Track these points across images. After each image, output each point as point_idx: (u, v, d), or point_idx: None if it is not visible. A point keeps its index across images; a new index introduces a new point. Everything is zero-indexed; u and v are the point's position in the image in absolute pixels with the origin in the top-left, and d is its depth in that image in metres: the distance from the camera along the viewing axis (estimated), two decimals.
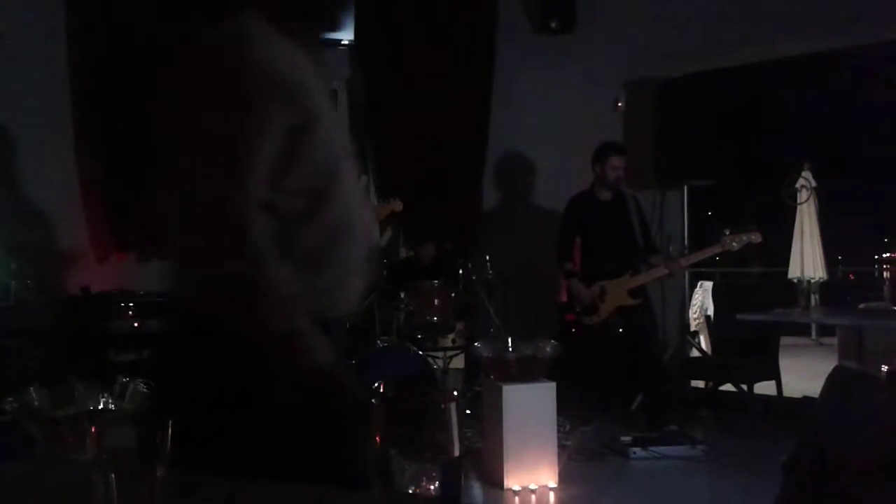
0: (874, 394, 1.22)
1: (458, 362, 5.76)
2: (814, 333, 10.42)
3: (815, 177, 7.65)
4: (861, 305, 5.52)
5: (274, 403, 1.38)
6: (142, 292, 5.45)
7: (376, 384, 0.97)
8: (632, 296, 5.28)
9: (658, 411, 5.19)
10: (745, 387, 5.44)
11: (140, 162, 5.83)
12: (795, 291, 5.44)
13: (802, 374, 6.34)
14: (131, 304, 5.31)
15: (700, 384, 5.96)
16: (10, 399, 1.57)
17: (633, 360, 5.37)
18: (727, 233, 5.09)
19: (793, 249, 7.98)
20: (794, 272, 6.08)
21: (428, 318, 5.22)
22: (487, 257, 5.77)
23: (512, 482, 3.98)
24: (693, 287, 7.55)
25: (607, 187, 5.44)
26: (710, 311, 7.29)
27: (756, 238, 5.04)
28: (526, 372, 4.14)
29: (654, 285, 5.70)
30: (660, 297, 6.09)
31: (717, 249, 5.18)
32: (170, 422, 0.92)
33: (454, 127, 6.73)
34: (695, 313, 7.62)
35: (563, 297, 5.72)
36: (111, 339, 5.21)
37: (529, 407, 4.05)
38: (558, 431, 4.24)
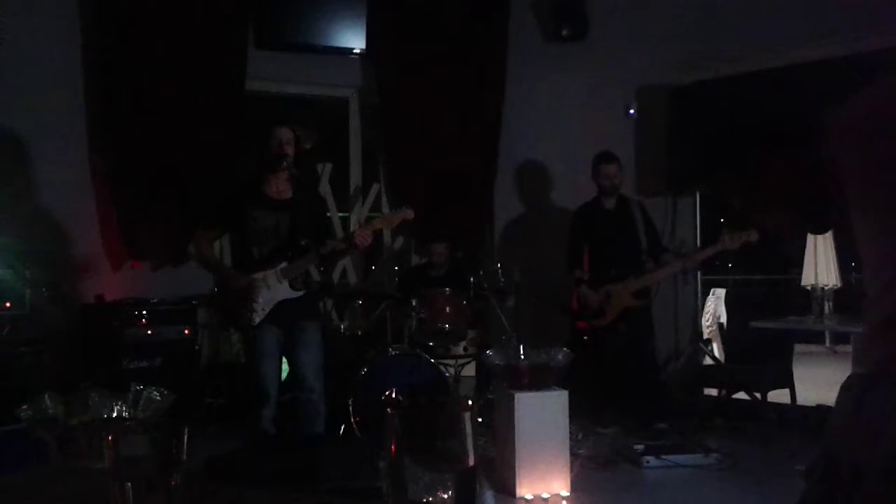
0: (889, 401, 1.21)
1: (470, 370, 5.75)
2: (828, 341, 10.34)
3: None
4: None
5: None
6: (155, 300, 5.47)
7: (389, 392, 0.97)
8: (636, 297, 5.42)
9: (648, 409, 5.26)
10: (758, 395, 5.41)
11: (154, 171, 5.88)
12: (809, 299, 5.42)
13: (816, 383, 6.29)
14: (145, 312, 5.33)
15: (713, 392, 5.93)
16: (24, 407, 1.57)
17: (632, 359, 5.42)
18: (726, 231, 5.28)
19: (806, 256, 7.93)
20: (807, 279, 6.02)
21: (440, 325, 5.21)
22: (499, 265, 5.77)
23: (524, 490, 3.96)
24: (706, 295, 7.52)
25: (608, 195, 5.59)
26: (723, 319, 7.25)
27: (753, 237, 5.16)
28: (538, 380, 4.13)
29: (667, 291, 5.70)
30: (673, 305, 6.08)
31: (717, 248, 5.31)
32: (185, 429, 0.93)
33: (466, 135, 6.74)
34: (707, 321, 7.58)
35: (574, 306, 5.73)
36: (125, 347, 5.23)
37: (541, 415, 4.04)
38: (570, 439, 4.22)
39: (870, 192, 1.30)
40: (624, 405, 5.43)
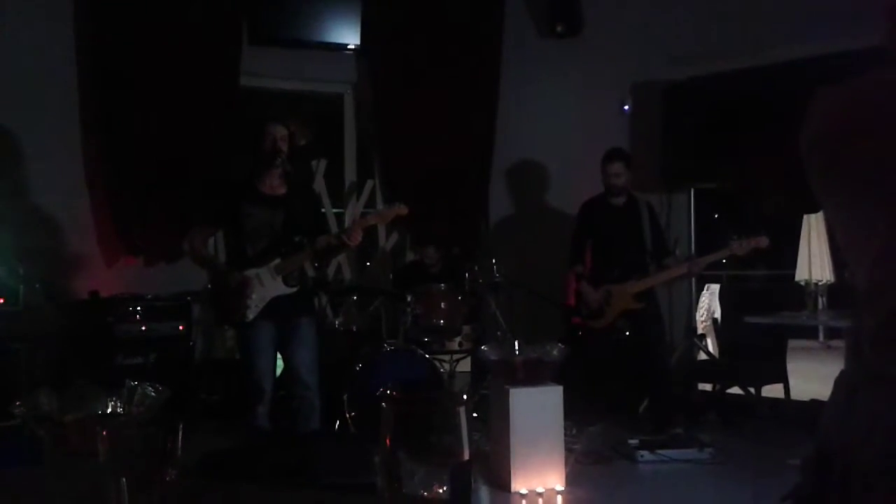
0: (881, 400, 1.21)
1: (465, 365, 5.75)
2: (821, 336, 10.37)
3: None
4: None
5: None
6: (149, 296, 5.46)
7: (384, 387, 0.97)
8: (637, 300, 5.28)
9: (664, 415, 5.19)
10: (752, 390, 5.43)
11: (148, 167, 5.87)
12: (803, 294, 5.44)
13: (810, 377, 6.32)
14: (139, 308, 5.32)
15: (707, 387, 5.95)
16: (18, 403, 1.57)
17: (639, 364, 5.37)
18: (734, 237, 5.08)
19: (800, 252, 7.96)
20: (801, 275, 6.06)
21: (435, 321, 5.22)
22: (494, 260, 5.77)
23: (519, 485, 3.97)
24: (700, 290, 7.54)
25: (615, 193, 5.44)
26: (718, 314, 7.28)
27: (763, 243, 5.04)
28: (533, 375, 4.13)
29: (662, 289, 5.69)
30: (667, 301, 6.08)
31: (724, 253, 5.17)
32: (180, 425, 0.93)
33: (460, 131, 6.74)
34: (702, 316, 7.60)
35: (571, 300, 5.72)
36: (119, 343, 5.22)
37: (536, 410, 4.05)
38: (565, 435, 4.23)
39: (856, 188, 1.29)
40: (611, 403, 5.43)
